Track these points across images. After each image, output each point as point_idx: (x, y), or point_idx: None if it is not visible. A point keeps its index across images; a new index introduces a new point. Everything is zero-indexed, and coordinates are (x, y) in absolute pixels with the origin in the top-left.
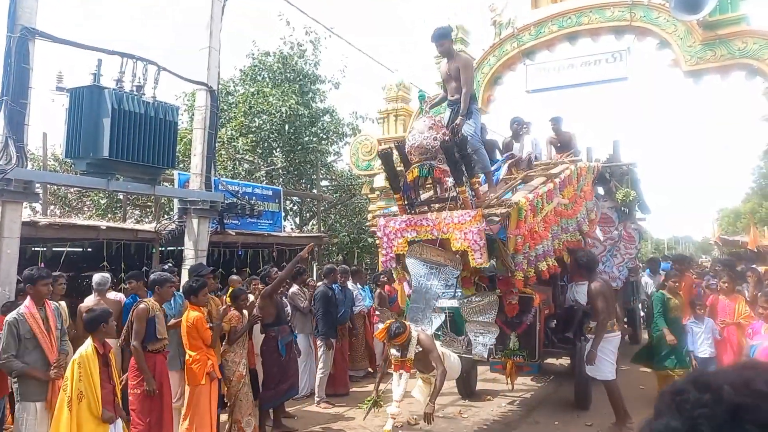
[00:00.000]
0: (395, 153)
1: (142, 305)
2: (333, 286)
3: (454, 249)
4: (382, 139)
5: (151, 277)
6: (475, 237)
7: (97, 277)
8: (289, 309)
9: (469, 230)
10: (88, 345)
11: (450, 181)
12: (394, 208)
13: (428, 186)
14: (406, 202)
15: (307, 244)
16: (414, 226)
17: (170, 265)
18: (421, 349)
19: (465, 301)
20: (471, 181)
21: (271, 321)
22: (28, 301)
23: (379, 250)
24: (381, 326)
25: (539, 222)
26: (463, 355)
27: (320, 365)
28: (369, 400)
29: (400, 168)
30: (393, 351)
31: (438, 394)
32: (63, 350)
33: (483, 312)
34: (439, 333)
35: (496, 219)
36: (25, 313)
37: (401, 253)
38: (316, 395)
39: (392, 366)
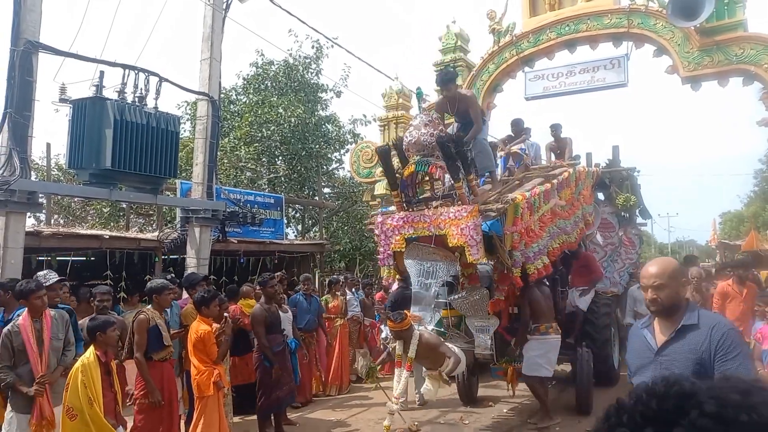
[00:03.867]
0: (393, 151)
1: (141, 315)
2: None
3: (450, 245)
4: (381, 146)
5: (148, 285)
6: (471, 232)
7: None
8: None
9: (466, 226)
10: (90, 353)
11: (447, 178)
12: (392, 209)
13: (427, 189)
14: (403, 200)
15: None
16: (411, 222)
17: (172, 276)
18: (422, 346)
19: (458, 298)
20: (468, 178)
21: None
22: (24, 311)
23: (377, 247)
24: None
25: (536, 221)
26: (467, 348)
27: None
28: (370, 368)
29: (398, 167)
30: (396, 347)
31: (451, 373)
32: (63, 362)
33: (477, 307)
34: (443, 330)
35: (493, 214)
36: (20, 325)
37: (398, 250)
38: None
39: (396, 361)
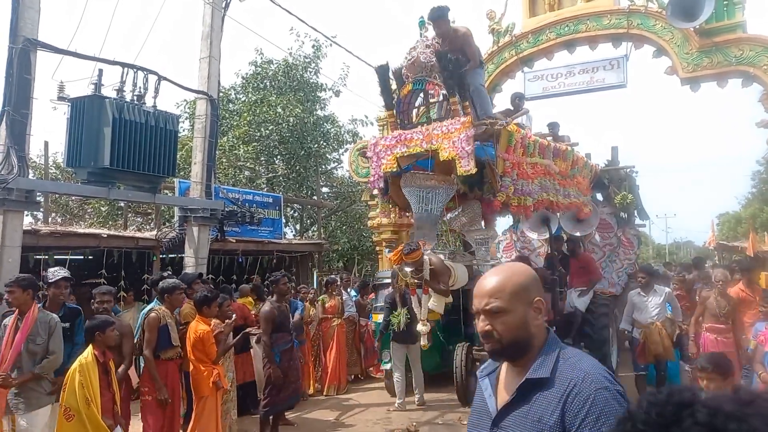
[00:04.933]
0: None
1: (152, 314)
2: None
3: (442, 159)
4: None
5: (160, 285)
6: (463, 144)
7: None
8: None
9: (458, 138)
10: (87, 353)
11: (442, 93)
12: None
13: (422, 114)
14: (397, 120)
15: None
16: (404, 141)
17: (169, 274)
18: (433, 268)
19: (452, 217)
20: (464, 104)
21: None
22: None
23: (369, 170)
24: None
25: (528, 163)
26: (468, 263)
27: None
28: (398, 316)
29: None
30: (407, 269)
31: (456, 286)
32: (39, 369)
33: (472, 222)
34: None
35: (485, 126)
36: (10, 319)
37: (390, 171)
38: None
39: (410, 290)
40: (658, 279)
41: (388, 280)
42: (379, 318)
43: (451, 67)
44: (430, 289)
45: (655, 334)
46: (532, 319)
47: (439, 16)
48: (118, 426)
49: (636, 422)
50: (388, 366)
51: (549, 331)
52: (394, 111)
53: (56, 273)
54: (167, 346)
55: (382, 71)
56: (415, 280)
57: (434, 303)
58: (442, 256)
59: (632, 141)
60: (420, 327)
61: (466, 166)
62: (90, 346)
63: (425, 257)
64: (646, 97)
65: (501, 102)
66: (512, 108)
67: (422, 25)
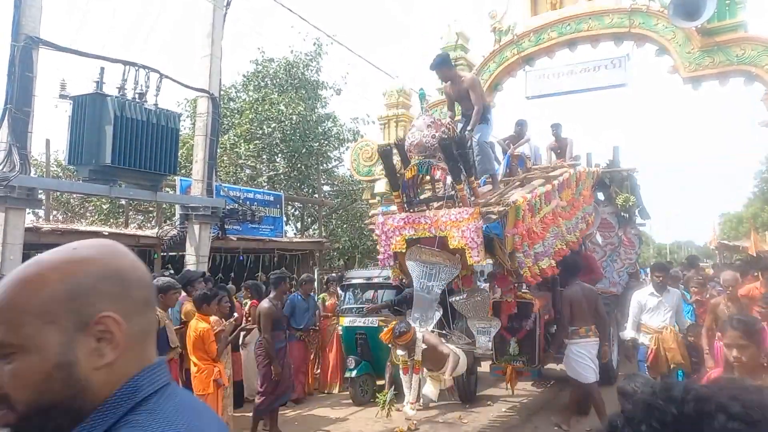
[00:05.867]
0: (395, 151)
1: None
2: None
3: (451, 247)
4: (382, 145)
5: (153, 283)
6: (472, 235)
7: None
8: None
9: (467, 228)
10: None
11: (448, 179)
12: (393, 208)
13: (428, 188)
14: (404, 201)
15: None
16: (412, 224)
17: (171, 273)
18: (427, 348)
19: (459, 300)
20: (469, 180)
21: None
22: None
23: (378, 247)
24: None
25: (537, 222)
26: (468, 349)
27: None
28: (384, 395)
29: (399, 167)
30: (400, 352)
31: (451, 371)
32: None
33: (478, 308)
34: (444, 332)
35: (494, 217)
36: None
37: (399, 251)
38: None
39: (402, 368)
40: (674, 278)
41: (358, 280)
42: (346, 321)
43: (456, 150)
44: (425, 371)
45: (671, 340)
46: (89, 358)
47: (440, 63)
48: None
49: (650, 422)
50: (353, 374)
51: (134, 384)
52: (400, 191)
53: None
54: (167, 349)
55: (386, 154)
56: (407, 360)
57: (430, 388)
58: (438, 337)
59: (634, 140)
60: (406, 410)
61: (476, 257)
62: None
63: (418, 335)
64: (647, 95)
65: (502, 101)
66: (515, 134)
67: (423, 97)
